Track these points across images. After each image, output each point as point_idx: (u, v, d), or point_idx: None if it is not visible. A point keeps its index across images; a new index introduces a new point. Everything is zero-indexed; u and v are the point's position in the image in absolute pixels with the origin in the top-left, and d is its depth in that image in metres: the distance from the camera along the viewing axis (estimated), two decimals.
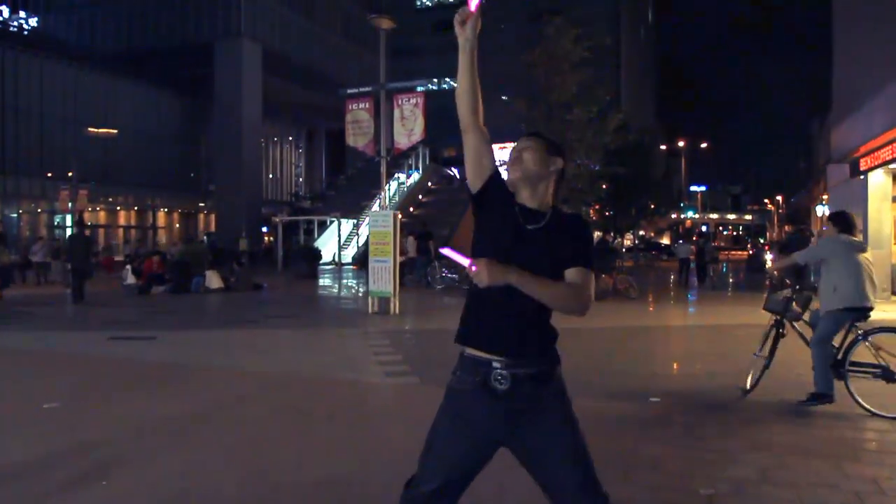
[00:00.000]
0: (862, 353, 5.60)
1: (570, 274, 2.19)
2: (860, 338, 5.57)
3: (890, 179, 15.42)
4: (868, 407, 5.41)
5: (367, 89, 15.04)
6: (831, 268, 5.67)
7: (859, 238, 5.92)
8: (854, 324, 5.65)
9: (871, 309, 5.60)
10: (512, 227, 2.22)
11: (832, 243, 5.80)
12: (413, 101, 13.91)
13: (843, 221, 5.88)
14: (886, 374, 5.46)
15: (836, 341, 5.73)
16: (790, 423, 5.28)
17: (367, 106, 14.51)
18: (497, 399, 2.15)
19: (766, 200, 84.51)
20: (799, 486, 3.90)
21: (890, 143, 13.76)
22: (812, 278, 6.61)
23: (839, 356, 5.62)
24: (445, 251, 2.27)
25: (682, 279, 21.97)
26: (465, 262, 2.12)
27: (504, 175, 2.32)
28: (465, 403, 2.20)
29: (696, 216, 76.29)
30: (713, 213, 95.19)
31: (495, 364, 2.15)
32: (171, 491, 3.97)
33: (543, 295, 2.12)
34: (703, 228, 64.85)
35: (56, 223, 39.61)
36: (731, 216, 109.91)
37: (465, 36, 2.26)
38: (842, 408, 5.67)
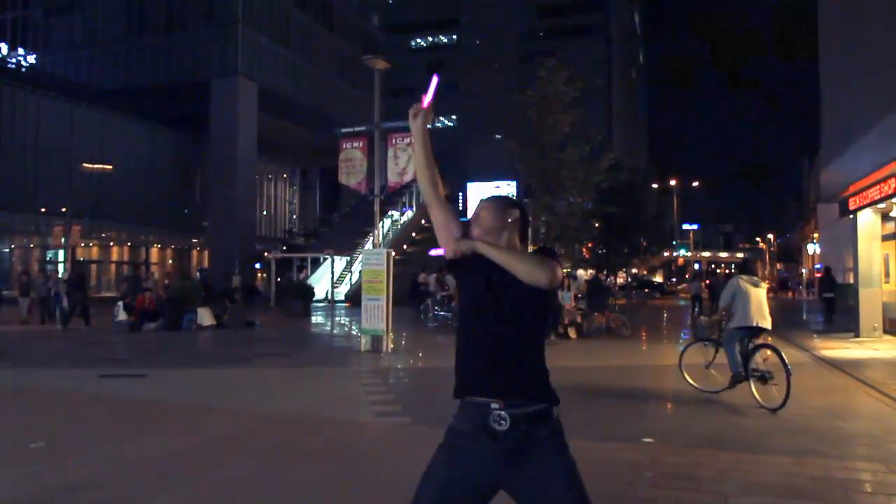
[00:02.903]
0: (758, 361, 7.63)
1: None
2: (752, 351, 7.62)
3: (879, 218, 15.53)
4: (760, 402, 7.28)
5: (361, 128, 15.18)
6: (734, 300, 7.75)
7: (756, 278, 8.01)
8: (749, 338, 7.67)
9: (758, 328, 7.60)
10: (485, 275, 2.29)
11: (733, 282, 7.89)
12: (407, 140, 14.01)
13: (743, 267, 8.49)
14: (762, 378, 7.48)
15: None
16: (784, 464, 5.26)
17: (361, 145, 14.61)
18: (496, 440, 2.20)
19: (757, 239, 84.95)
20: None
21: (878, 182, 13.90)
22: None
23: (745, 364, 7.63)
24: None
25: (696, 314, 22.21)
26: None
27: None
28: (465, 444, 2.24)
29: (689, 254, 76.42)
30: (705, 251, 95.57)
31: (493, 405, 2.21)
32: None
33: (510, 259, 2.24)
34: (696, 266, 65.05)
35: (48, 258, 39.47)
36: (724, 254, 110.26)
37: (416, 126, 2.51)
38: (835, 447, 5.71)
